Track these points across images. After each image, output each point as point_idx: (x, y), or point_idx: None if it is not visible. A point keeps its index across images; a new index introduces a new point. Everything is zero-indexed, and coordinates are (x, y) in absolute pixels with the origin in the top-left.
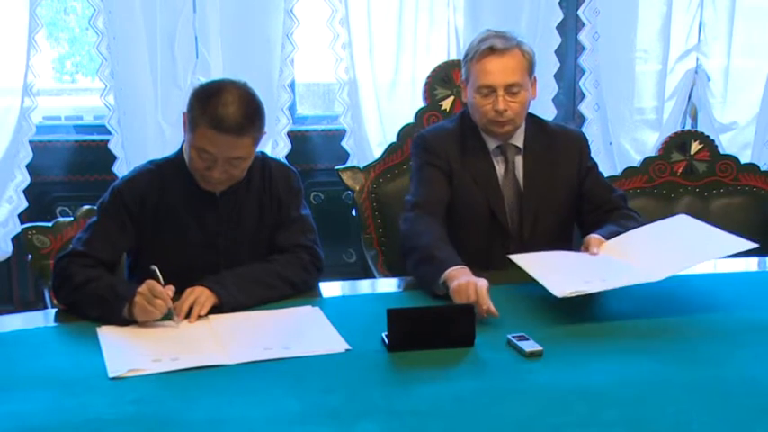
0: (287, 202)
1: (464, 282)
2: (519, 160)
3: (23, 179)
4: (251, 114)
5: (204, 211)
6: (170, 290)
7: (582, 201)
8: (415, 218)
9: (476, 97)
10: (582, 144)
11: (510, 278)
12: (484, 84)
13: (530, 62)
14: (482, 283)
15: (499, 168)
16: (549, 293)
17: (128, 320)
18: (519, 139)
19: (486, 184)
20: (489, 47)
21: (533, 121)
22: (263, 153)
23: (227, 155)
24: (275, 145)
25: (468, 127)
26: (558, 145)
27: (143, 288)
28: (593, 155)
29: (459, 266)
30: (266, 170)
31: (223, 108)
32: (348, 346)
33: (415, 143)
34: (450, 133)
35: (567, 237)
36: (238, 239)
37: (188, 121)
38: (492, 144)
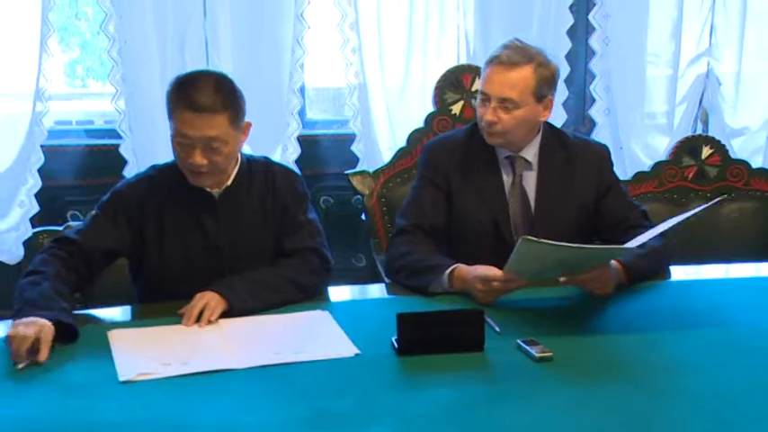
0: (292, 207)
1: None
2: (531, 176)
3: (35, 183)
4: (224, 94)
5: (203, 215)
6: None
7: (599, 218)
8: (401, 243)
9: (477, 100)
10: (603, 160)
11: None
12: (482, 89)
13: (541, 82)
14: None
15: (507, 181)
16: (559, 297)
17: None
18: (530, 153)
19: (491, 198)
20: (498, 56)
21: (553, 133)
22: (266, 158)
23: (203, 134)
24: (285, 149)
25: (479, 136)
26: (577, 160)
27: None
28: None
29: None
30: (269, 175)
31: (197, 90)
32: (358, 351)
33: (422, 153)
34: (456, 144)
35: None
36: (239, 243)
37: (167, 114)
38: (501, 155)
